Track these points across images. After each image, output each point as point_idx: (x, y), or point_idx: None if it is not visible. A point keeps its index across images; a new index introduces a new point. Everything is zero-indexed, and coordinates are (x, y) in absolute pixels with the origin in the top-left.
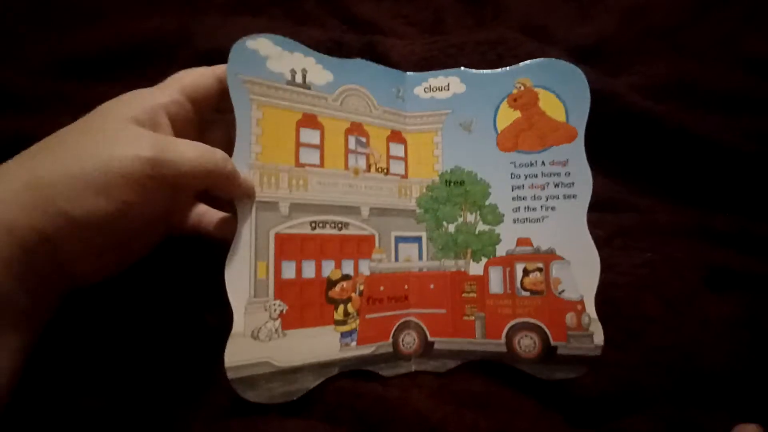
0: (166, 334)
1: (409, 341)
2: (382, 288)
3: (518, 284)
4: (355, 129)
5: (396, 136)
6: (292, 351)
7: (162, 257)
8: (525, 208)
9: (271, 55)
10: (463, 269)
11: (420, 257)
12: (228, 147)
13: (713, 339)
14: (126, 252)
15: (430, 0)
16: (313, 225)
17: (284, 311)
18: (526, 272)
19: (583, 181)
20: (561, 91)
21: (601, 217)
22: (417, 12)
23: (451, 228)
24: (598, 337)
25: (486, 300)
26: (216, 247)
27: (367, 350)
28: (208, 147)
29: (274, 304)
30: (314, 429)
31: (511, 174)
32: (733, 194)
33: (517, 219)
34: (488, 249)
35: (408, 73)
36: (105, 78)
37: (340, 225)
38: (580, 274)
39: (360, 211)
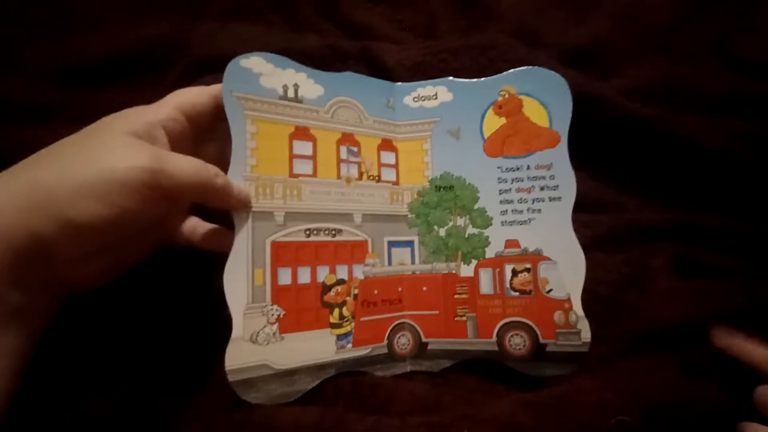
0: (168, 340)
1: (404, 342)
2: (376, 291)
3: (507, 285)
4: (347, 139)
5: (387, 145)
6: (290, 354)
7: (163, 266)
8: (512, 211)
9: (264, 72)
10: (454, 271)
11: (413, 261)
12: (221, 161)
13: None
14: (118, 260)
15: (424, 5)
16: (308, 232)
17: (281, 316)
18: (514, 273)
19: (567, 183)
20: (544, 98)
21: (590, 218)
22: (411, 17)
23: (442, 232)
24: (585, 334)
25: (477, 301)
26: (213, 257)
27: (362, 352)
28: (202, 162)
29: (272, 309)
30: (309, 412)
31: (498, 178)
32: (720, 195)
33: (505, 222)
34: (478, 251)
35: (397, 83)
36: (105, 86)
37: (334, 232)
38: (567, 273)
39: (353, 217)
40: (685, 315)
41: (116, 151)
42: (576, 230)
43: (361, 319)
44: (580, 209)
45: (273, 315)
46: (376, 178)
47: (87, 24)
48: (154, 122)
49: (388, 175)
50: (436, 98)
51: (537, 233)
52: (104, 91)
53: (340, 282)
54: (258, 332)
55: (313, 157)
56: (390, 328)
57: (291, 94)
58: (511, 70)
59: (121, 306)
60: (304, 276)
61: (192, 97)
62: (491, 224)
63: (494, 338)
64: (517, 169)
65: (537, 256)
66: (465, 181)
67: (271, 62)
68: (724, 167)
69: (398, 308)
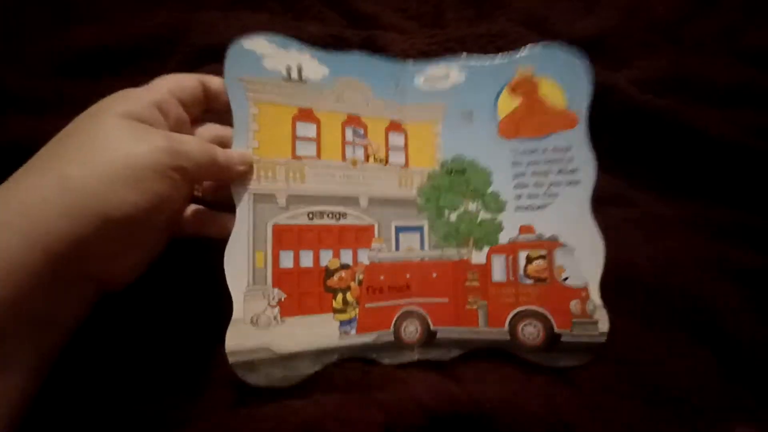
0: (170, 335)
1: (412, 330)
2: (382, 277)
3: (521, 272)
4: (353, 121)
5: (395, 126)
6: (291, 338)
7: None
8: (527, 195)
9: (266, 54)
10: (465, 258)
11: (422, 246)
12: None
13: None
14: (147, 253)
15: None
16: (311, 215)
17: (282, 299)
18: (529, 260)
19: (586, 166)
20: (561, 78)
21: (600, 210)
22: (417, 6)
23: (453, 217)
24: (603, 325)
25: (489, 288)
26: (214, 243)
27: (367, 338)
28: (205, 141)
29: (273, 292)
30: (319, 404)
31: (513, 162)
32: (732, 188)
33: (520, 206)
34: (491, 237)
35: (407, 63)
36: (104, 76)
37: (338, 215)
38: (585, 260)
39: (358, 201)
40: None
41: (129, 136)
42: None
43: (366, 305)
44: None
45: (274, 298)
46: (384, 160)
47: (86, 13)
48: (151, 104)
49: (397, 157)
50: (447, 79)
51: (553, 218)
52: (103, 80)
53: (344, 267)
54: (259, 315)
55: (317, 139)
56: (397, 316)
57: (295, 75)
58: (527, 48)
59: (124, 299)
60: (307, 260)
61: (180, 80)
62: (505, 209)
63: (506, 327)
64: (533, 151)
65: (553, 243)
66: (478, 164)
67: (274, 43)
68: (735, 159)
69: (406, 295)
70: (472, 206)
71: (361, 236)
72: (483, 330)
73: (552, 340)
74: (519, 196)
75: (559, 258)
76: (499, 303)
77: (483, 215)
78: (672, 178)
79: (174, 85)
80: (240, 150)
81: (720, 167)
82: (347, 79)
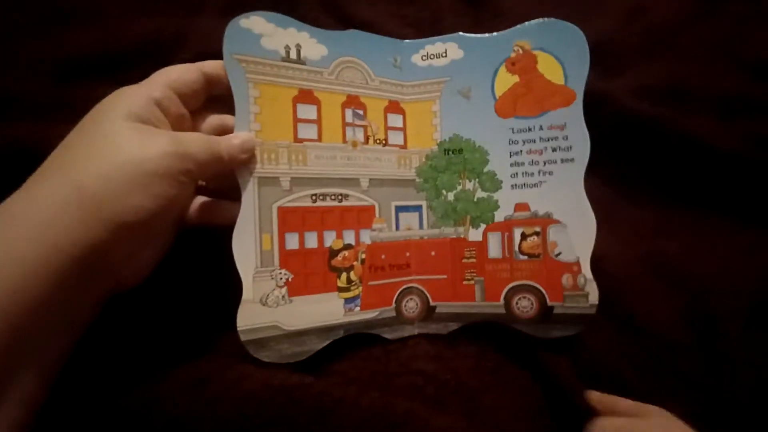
0: (178, 313)
1: (412, 306)
2: (383, 256)
3: (516, 248)
4: (352, 102)
5: (394, 107)
6: (299, 315)
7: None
8: (523, 173)
9: (265, 33)
10: (462, 236)
11: (420, 225)
12: (219, 134)
13: None
14: (158, 250)
15: (429, 0)
16: (314, 197)
17: (290, 279)
18: (524, 236)
19: (580, 144)
20: (560, 53)
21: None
22: (415, 12)
23: (451, 196)
24: (593, 296)
25: (485, 265)
26: (217, 229)
27: (370, 315)
28: (205, 135)
29: (280, 273)
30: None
31: (510, 140)
32: (728, 197)
33: (515, 185)
34: (487, 215)
35: (405, 41)
36: (101, 81)
37: (340, 197)
38: (577, 236)
39: (359, 182)
40: None
41: (135, 141)
42: None
43: (369, 283)
44: None
45: (281, 278)
46: (383, 141)
47: (83, 18)
48: (150, 103)
49: (396, 138)
50: (445, 56)
51: (548, 196)
52: (100, 85)
53: (347, 247)
54: (267, 295)
55: (318, 121)
56: (398, 292)
57: (293, 55)
58: (526, 23)
59: (134, 289)
60: (311, 241)
61: (180, 73)
62: (501, 188)
63: (502, 301)
64: (529, 129)
65: (547, 220)
66: (474, 144)
67: (273, 22)
68: (731, 168)
69: (406, 273)
70: (469, 185)
71: (362, 217)
72: (480, 304)
73: (545, 312)
74: (515, 175)
75: (553, 234)
76: (495, 278)
77: (480, 194)
78: (667, 186)
79: (172, 80)
80: (242, 134)
81: (716, 176)
82: (346, 59)
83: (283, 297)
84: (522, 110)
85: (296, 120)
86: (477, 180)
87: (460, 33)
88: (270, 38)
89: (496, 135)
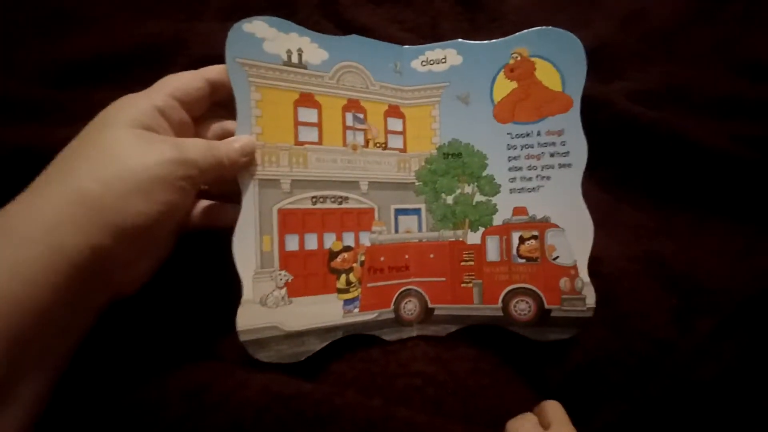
0: (178, 315)
1: (411, 308)
2: (382, 258)
3: (514, 252)
4: (352, 106)
5: (394, 111)
6: (298, 316)
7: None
8: (521, 178)
9: (267, 37)
10: (461, 239)
11: (419, 228)
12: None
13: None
14: (158, 256)
15: (427, 6)
16: (314, 200)
17: (289, 280)
18: (522, 240)
19: (578, 149)
20: (557, 60)
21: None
22: (414, 18)
23: (450, 199)
24: (590, 300)
25: (483, 268)
26: (218, 231)
27: (369, 316)
28: (207, 141)
29: (280, 274)
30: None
31: (508, 145)
32: (724, 198)
33: (514, 189)
34: (485, 219)
35: (405, 46)
36: (101, 85)
37: (340, 199)
38: (574, 240)
39: (359, 185)
40: None
41: (138, 147)
42: None
43: (368, 285)
44: None
45: (281, 280)
46: (383, 145)
47: (83, 22)
48: (153, 110)
49: (395, 142)
50: (445, 62)
51: (546, 200)
52: (101, 89)
53: (347, 249)
54: (267, 296)
55: (319, 125)
56: (397, 294)
57: (295, 59)
58: (524, 31)
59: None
60: (311, 243)
61: (184, 82)
62: (499, 192)
63: (500, 304)
64: (527, 135)
65: (545, 224)
66: (473, 148)
67: (275, 26)
68: (728, 170)
69: (405, 275)
70: (467, 189)
71: (362, 219)
72: (478, 307)
73: (543, 315)
74: (513, 179)
75: (551, 238)
76: (493, 281)
77: (478, 198)
78: (665, 189)
79: (175, 88)
80: (242, 138)
81: (712, 178)
82: (347, 63)
83: (282, 298)
84: (520, 116)
85: (297, 123)
86: (476, 184)
87: (460, 39)
88: (272, 42)
89: (494, 140)
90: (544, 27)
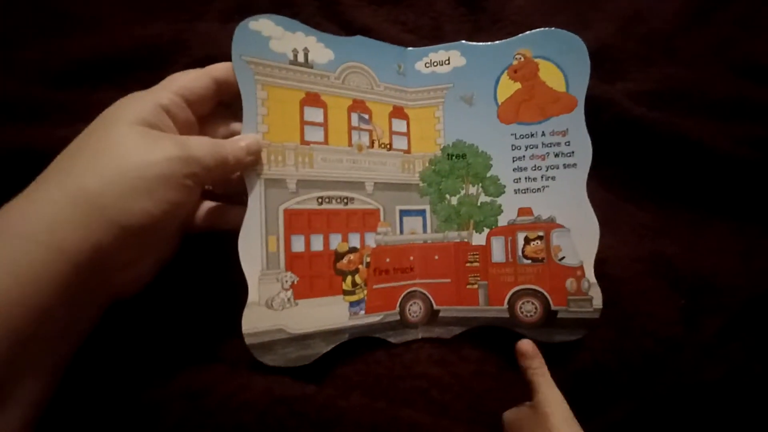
0: (183, 316)
1: (416, 310)
2: (388, 259)
3: (520, 253)
4: (358, 106)
5: (398, 112)
6: (304, 319)
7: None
8: (526, 178)
9: (273, 36)
10: (466, 240)
11: (424, 230)
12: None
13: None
14: (160, 257)
15: (429, 7)
16: (320, 200)
17: (295, 282)
18: (527, 241)
19: (583, 149)
20: (561, 61)
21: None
22: (416, 19)
23: (454, 200)
24: (597, 301)
25: (489, 269)
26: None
27: (375, 318)
28: (212, 139)
29: (286, 276)
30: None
31: (512, 145)
32: (727, 198)
33: (518, 189)
34: (490, 220)
35: (409, 48)
36: (101, 85)
37: (345, 200)
38: (580, 240)
39: (365, 186)
40: None
41: (141, 145)
42: None
43: (374, 286)
44: None
45: (287, 281)
46: (388, 146)
47: (83, 23)
48: (159, 108)
49: (400, 143)
50: (448, 63)
51: (551, 201)
52: (101, 90)
53: (353, 250)
54: (273, 298)
55: (325, 124)
56: (402, 296)
57: (301, 58)
58: (528, 32)
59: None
60: (317, 243)
61: (191, 80)
62: (504, 192)
63: (505, 305)
64: (532, 135)
65: (550, 224)
66: (478, 149)
67: (281, 25)
68: (730, 171)
69: (410, 276)
70: (472, 190)
71: (367, 220)
72: (483, 308)
73: (549, 316)
74: (518, 180)
75: (556, 239)
76: (499, 282)
77: (483, 198)
78: (668, 189)
79: (180, 86)
80: (248, 137)
81: (715, 178)
82: (352, 64)
83: (288, 300)
84: (524, 116)
85: (303, 122)
86: (480, 185)
87: (463, 41)
88: (278, 41)
89: (498, 140)
90: (547, 28)
